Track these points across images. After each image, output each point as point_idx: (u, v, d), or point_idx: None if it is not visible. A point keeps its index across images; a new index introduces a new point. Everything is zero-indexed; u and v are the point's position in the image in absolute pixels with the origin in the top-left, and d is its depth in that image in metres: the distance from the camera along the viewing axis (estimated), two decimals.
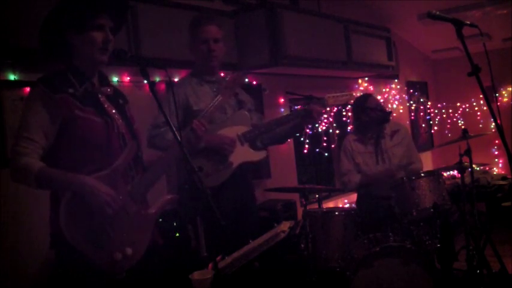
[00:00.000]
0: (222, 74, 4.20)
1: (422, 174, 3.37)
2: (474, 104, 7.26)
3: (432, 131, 7.65)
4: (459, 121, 7.44)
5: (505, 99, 7.19)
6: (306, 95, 3.20)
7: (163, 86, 3.68)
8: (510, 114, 5.74)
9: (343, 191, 5.00)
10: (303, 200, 3.15)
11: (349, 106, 5.36)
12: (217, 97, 2.76)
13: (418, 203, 3.25)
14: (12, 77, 2.86)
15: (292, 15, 4.32)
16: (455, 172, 6.67)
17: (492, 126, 6.28)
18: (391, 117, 3.92)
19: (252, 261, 2.28)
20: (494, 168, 7.30)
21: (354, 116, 4.07)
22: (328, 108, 5.31)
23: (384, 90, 6.62)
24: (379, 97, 5.74)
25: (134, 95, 2.96)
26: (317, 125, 5.40)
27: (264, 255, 2.31)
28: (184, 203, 2.17)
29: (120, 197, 1.94)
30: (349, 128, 5.73)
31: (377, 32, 5.59)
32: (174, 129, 1.91)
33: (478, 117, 7.22)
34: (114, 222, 1.93)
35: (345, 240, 3.15)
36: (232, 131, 2.82)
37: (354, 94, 3.39)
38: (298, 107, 5.11)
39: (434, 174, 3.36)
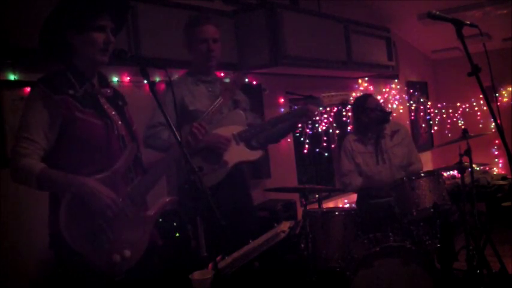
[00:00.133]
0: (222, 74, 4.21)
1: (422, 174, 3.37)
2: (474, 104, 7.26)
3: (432, 131, 7.65)
4: (459, 121, 7.44)
5: (505, 99, 7.19)
6: (305, 95, 3.20)
7: (163, 86, 3.68)
8: (510, 114, 5.74)
9: (343, 191, 4.99)
10: (303, 200, 3.15)
11: (349, 106, 5.36)
12: (219, 99, 2.76)
13: (418, 203, 3.25)
14: (12, 77, 2.86)
15: (292, 15, 4.32)
16: (455, 172, 6.67)
17: (492, 126, 6.28)
18: (391, 117, 3.92)
19: (252, 261, 2.28)
20: (494, 168, 7.30)
21: (353, 116, 4.07)
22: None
23: (383, 90, 6.62)
24: (379, 97, 5.74)
25: (134, 95, 2.96)
26: (317, 125, 5.40)
27: (264, 255, 2.31)
28: (184, 203, 2.17)
29: (120, 199, 1.95)
30: (349, 128, 5.73)
31: (377, 32, 5.59)
32: (174, 129, 1.91)
33: (478, 117, 7.22)
34: (113, 223, 1.93)
35: (345, 240, 3.15)
36: (227, 131, 2.81)
37: (349, 93, 3.40)
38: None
39: (434, 174, 3.36)
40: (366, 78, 6.15)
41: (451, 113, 7.52)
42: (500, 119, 1.96)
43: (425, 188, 3.27)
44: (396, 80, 6.69)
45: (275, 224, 2.72)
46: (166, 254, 2.75)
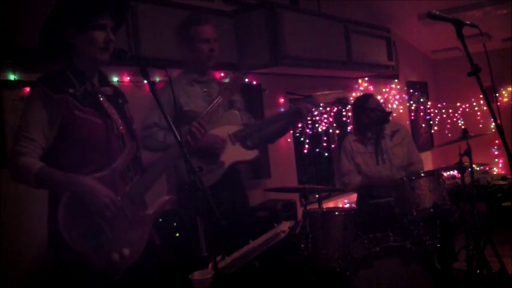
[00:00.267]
0: (222, 74, 4.21)
1: (422, 174, 3.37)
2: (474, 104, 7.26)
3: (432, 131, 7.65)
4: (459, 121, 7.44)
5: (505, 99, 7.19)
6: (305, 95, 3.20)
7: (161, 85, 3.68)
8: (510, 114, 5.74)
9: (343, 191, 4.99)
10: (303, 200, 3.15)
11: (349, 106, 5.36)
12: (217, 99, 2.76)
13: (418, 203, 3.25)
14: (12, 77, 2.86)
15: (292, 15, 4.31)
16: (455, 172, 6.67)
17: (492, 126, 6.28)
18: (391, 118, 3.92)
19: (252, 261, 2.28)
20: (494, 168, 7.30)
21: (353, 116, 4.07)
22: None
23: (383, 90, 6.62)
24: (379, 97, 5.74)
25: (134, 95, 2.96)
26: (317, 125, 5.40)
27: (264, 255, 2.31)
28: (184, 203, 2.16)
29: (119, 198, 1.95)
30: (349, 128, 5.73)
31: (377, 32, 5.58)
32: (174, 129, 1.91)
33: (478, 117, 7.22)
34: (112, 222, 1.93)
35: (345, 240, 3.15)
36: (223, 131, 2.80)
37: (344, 91, 3.40)
38: None
39: (434, 174, 3.35)
40: (366, 78, 6.15)
41: (451, 113, 7.52)
42: (500, 119, 1.96)
43: (425, 188, 3.27)
44: (396, 80, 6.69)
45: (275, 224, 2.72)
46: (166, 254, 2.75)
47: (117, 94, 2.18)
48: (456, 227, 4.48)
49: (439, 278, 2.96)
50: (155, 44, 3.36)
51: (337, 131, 5.74)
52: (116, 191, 1.95)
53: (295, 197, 4.48)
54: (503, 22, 6.08)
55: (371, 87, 6.23)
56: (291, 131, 5.04)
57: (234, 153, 2.82)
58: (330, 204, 5.35)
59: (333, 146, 5.73)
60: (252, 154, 2.92)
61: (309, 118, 5.24)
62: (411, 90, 7.22)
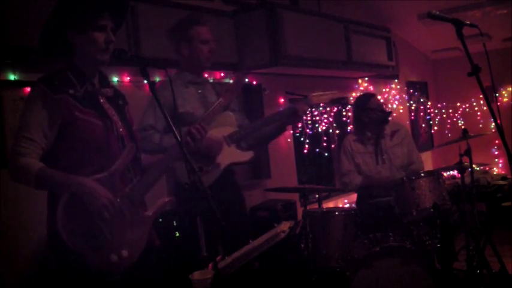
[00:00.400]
0: (222, 74, 4.22)
1: (422, 174, 3.37)
2: (474, 104, 7.26)
3: (432, 131, 7.65)
4: (459, 121, 7.44)
5: (505, 99, 7.19)
6: (305, 95, 3.19)
7: (157, 87, 3.67)
8: (510, 114, 5.74)
9: (343, 191, 5.00)
10: (303, 200, 3.15)
11: (349, 106, 5.36)
12: (219, 100, 2.75)
13: (418, 203, 3.24)
14: (12, 77, 2.86)
15: (292, 15, 4.32)
16: (455, 172, 6.67)
17: (492, 126, 6.28)
18: (390, 118, 3.92)
19: (252, 261, 2.28)
20: (494, 168, 7.30)
21: (354, 115, 4.07)
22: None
23: (383, 90, 6.62)
24: (379, 97, 5.74)
25: (134, 95, 2.96)
26: (317, 125, 5.40)
27: (264, 255, 2.31)
28: (184, 203, 2.17)
29: (118, 200, 1.95)
30: (349, 128, 5.73)
31: (377, 32, 5.59)
32: (175, 129, 1.91)
33: (478, 117, 7.22)
34: (111, 223, 1.93)
35: (345, 240, 3.15)
36: (218, 132, 2.79)
37: (339, 91, 3.40)
38: None
39: (434, 174, 3.35)
40: (366, 78, 6.15)
41: (451, 113, 7.52)
42: (500, 119, 1.96)
43: (425, 188, 3.27)
44: (396, 80, 6.69)
45: (275, 224, 2.72)
46: (166, 254, 2.75)
47: (117, 95, 2.18)
48: (456, 227, 4.48)
49: (439, 278, 2.96)
50: (155, 44, 3.36)
51: (337, 131, 5.74)
52: (115, 192, 1.95)
53: (295, 197, 4.49)
54: (503, 22, 6.09)
55: (371, 87, 6.23)
56: (291, 131, 5.04)
57: (230, 155, 2.82)
58: (330, 204, 5.36)
59: (333, 146, 5.73)
60: (247, 155, 2.92)
61: (309, 118, 5.24)
62: (411, 90, 7.22)
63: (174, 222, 3.04)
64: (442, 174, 3.47)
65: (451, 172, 6.85)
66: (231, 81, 4.14)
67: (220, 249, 2.46)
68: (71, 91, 1.95)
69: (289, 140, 5.05)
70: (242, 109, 4.18)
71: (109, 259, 1.90)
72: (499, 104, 6.66)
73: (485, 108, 6.89)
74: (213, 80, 4.13)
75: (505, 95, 7.21)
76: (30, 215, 2.82)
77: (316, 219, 3.19)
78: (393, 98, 6.75)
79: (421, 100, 7.44)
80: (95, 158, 1.97)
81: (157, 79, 3.60)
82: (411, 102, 7.19)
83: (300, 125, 5.13)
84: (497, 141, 7.10)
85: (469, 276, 3.48)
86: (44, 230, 1.97)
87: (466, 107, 7.38)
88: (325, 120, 5.53)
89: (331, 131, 5.72)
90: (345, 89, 5.91)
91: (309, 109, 3.40)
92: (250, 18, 4.17)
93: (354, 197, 4.26)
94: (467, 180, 3.76)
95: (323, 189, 4.17)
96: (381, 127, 3.86)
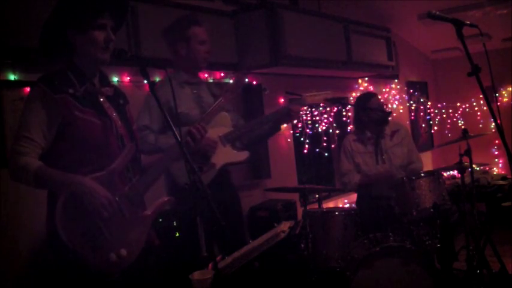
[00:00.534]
0: (222, 74, 4.21)
1: (422, 174, 3.37)
2: (474, 104, 7.26)
3: (432, 131, 7.65)
4: (459, 121, 7.44)
5: (505, 99, 7.19)
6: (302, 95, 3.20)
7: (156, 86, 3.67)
8: (510, 114, 5.74)
9: (343, 191, 5.00)
10: (303, 200, 3.15)
11: (349, 106, 5.36)
12: (219, 100, 2.75)
13: (418, 203, 3.25)
14: (12, 77, 2.86)
15: (292, 15, 4.32)
16: (455, 172, 6.67)
17: (492, 126, 6.28)
18: (390, 118, 3.92)
19: (252, 261, 2.28)
20: (494, 168, 7.30)
21: (354, 115, 4.07)
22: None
23: (384, 90, 6.62)
24: (379, 97, 5.74)
25: (134, 95, 2.95)
26: (317, 125, 5.40)
27: (264, 255, 2.31)
28: (184, 203, 2.16)
29: (117, 199, 1.95)
30: (349, 128, 5.74)
31: (377, 32, 5.59)
32: (175, 129, 1.91)
33: (478, 117, 7.22)
34: (110, 223, 1.93)
35: (345, 240, 3.15)
36: (213, 133, 2.79)
37: (332, 92, 3.40)
38: None
39: (434, 174, 3.35)
40: (366, 78, 6.15)
41: (451, 113, 7.52)
42: (500, 119, 1.96)
43: (425, 188, 3.27)
44: (396, 80, 6.69)
45: (275, 224, 2.73)
46: (166, 253, 2.75)
47: (117, 95, 2.18)
48: (456, 227, 4.48)
49: (439, 278, 2.96)
50: (155, 44, 3.36)
51: (337, 131, 5.74)
52: (114, 192, 1.95)
53: (295, 197, 4.49)
54: (503, 22, 6.09)
55: (371, 87, 6.23)
56: (291, 131, 5.04)
57: (225, 155, 2.83)
58: (330, 204, 5.36)
59: (333, 146, 5.73)
60: (242, 155, 2.93)
61: (309, 118, 5.24)
62: (411, 90, 7.22)
63: (174, 222, 3.04)
64: (442, 174, 3.47)
65: (451, 172, 6.85)
66: (231, 81, 4.14)
67: (217, 250, 2.46)
68: (71, 91, 1.95)
69: (289, 140, 5.05)
70: (242, 109, 4.19)
71: (108, 258, 1.90)
72: (499, 104, 6.66)
73: (485, 108, 6.89)
74: (213, 80, 4.13)
75: (505, 95, 7.21)
76: (30, 215, 2.82)
77: (316, 219, 3.19)
78: (393, 98, 6.75)
79: (421, 100, 7.44)
80: (94, 157, 1.97)
81: (157, 79, 3.60)
82: (411, 102, 7.19)
83: (300, 125, 5.13)
84: (497, 141, 7.10)
85: (469, 276, 3.48)
86: (44, 229, 1.97)
87: (466, 107, 7.38)
88: (325, 120, 5.53)
89: (331, 131, 5.72)
90: (345, 89, 5.91)
91: (304, 109, 3.41)
92: (250, 18, 4.17)
93: (354, 197, 4.26)
94: (467, 180, 3.76)
95: (323, 189, 4.17)
96: (381, 127, 3.86)
